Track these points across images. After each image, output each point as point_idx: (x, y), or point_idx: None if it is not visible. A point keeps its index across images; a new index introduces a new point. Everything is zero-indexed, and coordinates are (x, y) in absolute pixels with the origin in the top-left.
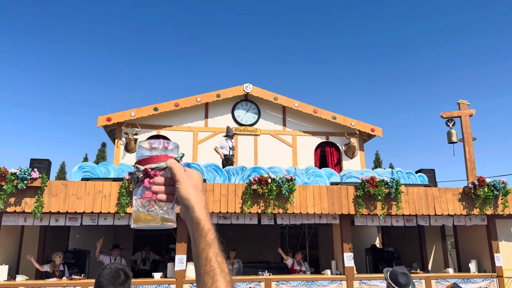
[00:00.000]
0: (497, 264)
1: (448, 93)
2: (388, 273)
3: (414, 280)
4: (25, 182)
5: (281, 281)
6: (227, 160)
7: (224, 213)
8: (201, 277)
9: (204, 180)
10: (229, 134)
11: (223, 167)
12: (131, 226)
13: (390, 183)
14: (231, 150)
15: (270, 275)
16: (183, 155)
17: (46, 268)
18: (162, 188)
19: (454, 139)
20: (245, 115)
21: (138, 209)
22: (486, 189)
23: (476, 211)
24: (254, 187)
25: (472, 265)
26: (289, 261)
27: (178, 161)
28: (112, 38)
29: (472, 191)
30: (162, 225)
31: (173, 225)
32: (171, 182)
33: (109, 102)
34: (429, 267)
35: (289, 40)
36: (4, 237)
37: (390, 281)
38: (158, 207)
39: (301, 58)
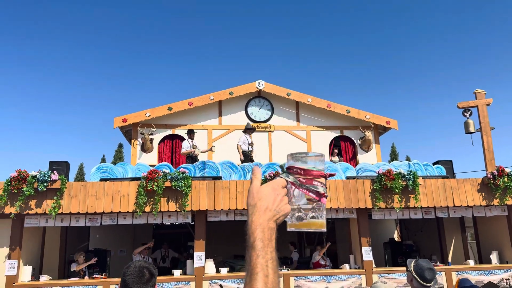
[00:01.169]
0: None
1: (464, 83)
2: (413, 265)
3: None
4: (45, 184)
5: (300, 276)
6: (246, 157)
7: (240, 210)
8: (246, 275)
9: (220, 178)
10: (247, 128)
11: (242, 163)
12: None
13: (407, 176)
14: (250, 146)
15: (288, 270)
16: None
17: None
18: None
19: (471, 129)
20: (258, 112)
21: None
22: (506, 179)
23: (496, 201)
24: None
25: (493, 257)
26: (318, 256)
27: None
28: (125, 39)
29: (492, 181)
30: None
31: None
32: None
33: (124, 103)
34: (449, 260)
35: (301, 35)
36: (27, 238)
37: (415, 275)
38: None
39: (313, 53)
